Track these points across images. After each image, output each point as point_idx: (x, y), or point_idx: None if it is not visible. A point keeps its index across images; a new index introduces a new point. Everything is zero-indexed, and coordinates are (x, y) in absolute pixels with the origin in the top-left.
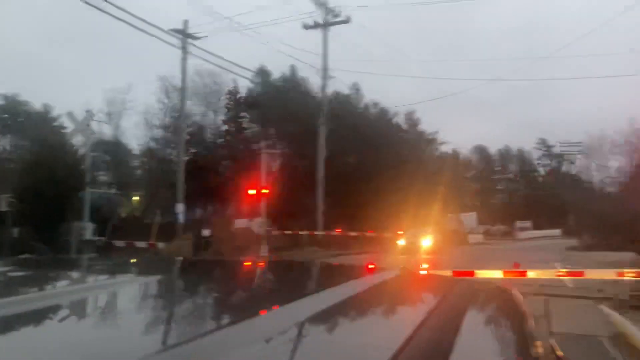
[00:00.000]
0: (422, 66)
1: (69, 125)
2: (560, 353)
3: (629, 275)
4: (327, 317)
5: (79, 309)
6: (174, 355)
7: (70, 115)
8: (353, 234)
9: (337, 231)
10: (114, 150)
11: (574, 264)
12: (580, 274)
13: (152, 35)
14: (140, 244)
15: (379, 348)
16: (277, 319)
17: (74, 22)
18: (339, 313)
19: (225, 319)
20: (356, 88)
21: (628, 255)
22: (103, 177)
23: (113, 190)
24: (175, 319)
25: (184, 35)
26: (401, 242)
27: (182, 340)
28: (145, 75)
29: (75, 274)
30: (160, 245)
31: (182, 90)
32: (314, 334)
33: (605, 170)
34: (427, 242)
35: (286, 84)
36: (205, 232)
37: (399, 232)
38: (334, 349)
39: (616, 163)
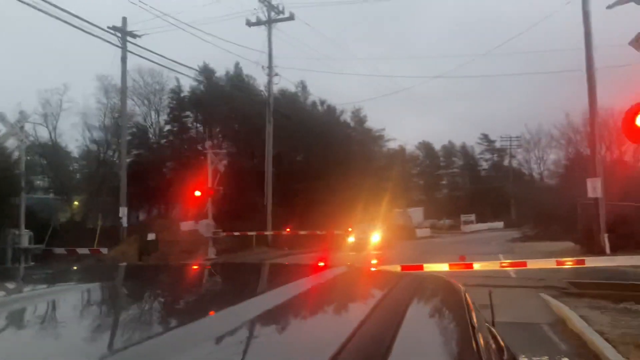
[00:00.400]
0: (368, 64)
1: (0, 128)
2: (502, 343)
3: (568, 264)
4: (273, 316)
5: (15, 320)
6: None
7: (1, 116)
8: (303, 232)
9: (287, 230)
10: (51, 153)
11: (517, 255)
12: (523, 264)
13: (90, 34)
14: (82, 251)
15: (323, 344)
16: (224, 320)
17: (2, 18)
18: (285, 312)
19: (171, 322)
20: (303, 86)
21: (566, 245)
22: (40, 181)
23: (51, 195)
24: (118, 325)
25: (123, 33)
26: (351, 239)
27: (126, 345)
28: (84, 75)
29: (10, 284)
30: (104, 250)
31: (123, 90)
32: (260, 333)
33: (544, 163)
34: (376, 237)
35: (231, 82)
36: (151, 236)
37: (349, 229)
38: (279, 348)
39: (554, 156)
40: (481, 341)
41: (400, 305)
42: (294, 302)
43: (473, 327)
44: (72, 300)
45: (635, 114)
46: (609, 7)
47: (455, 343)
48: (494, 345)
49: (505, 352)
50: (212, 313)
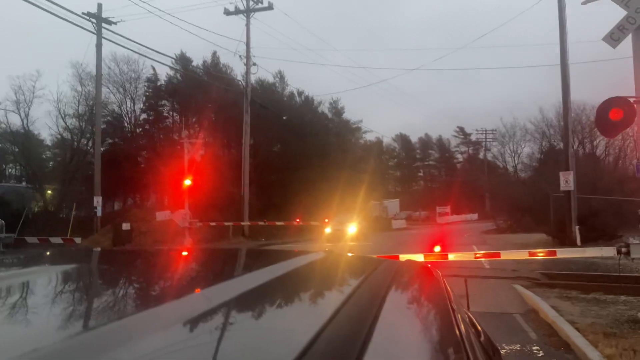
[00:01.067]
0: (346, 55)
1: None
2: (479, 327)
3: (540, 255)
4: (246, 300)
5: None
6: (87, 340)
7: None
8: (280, 223)
9: (264, 221)
10: (23, 141)
11: (491, 246)
12: (497, 255)
13: (64, 19)
14: (55, 240)
15: (300, 330)
16: (195, 303)
17: None
18: (259, 296)
19: (141, 305)
20: (281, 76)
21: (539, 237)
22: (11, 169)
23: (23, 184)
24: (87, 307)
25: (99, 19)
26: (328, 230)
27: (95, 325)
28: (58, 61)
29: None
30: (77, 240)
31: (98, 77)
32: (232, 318)
33: (518, 156)
34: (352, 229)
35: (208, 72)
36: (125, 226)
37: (326, 220)
38: (252, 333)
39: (528, 149)
40: (462, 325)
41: (380, 289)
42: (269, 287)
43: (453, 309)
44: (41, 284)
45: (608, 109)
46: (584, 3)
47: (437, 327)
48: (472, 329)
49: (482, 335)
50: (182, 296)
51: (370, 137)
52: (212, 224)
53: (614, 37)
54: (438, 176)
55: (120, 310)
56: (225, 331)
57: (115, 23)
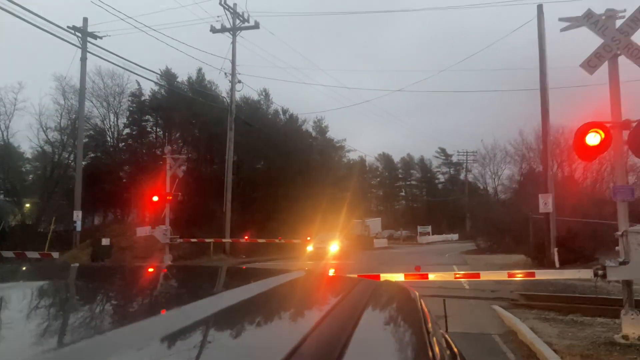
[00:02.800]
0: (331, 75)
1: None
2: (456, 350)
3: (519, 276)
4: (223, 318)
5: None
6: (61, 356)
7: None
8: (262, 240)
9: (246, 238)
10: (2, 153)
11: (470, 267)
12: (476, 275)
13: (49, 32)
14: (32, 254)
15: (273, 348)
16: (171, 320)
17: None
18: (235, 314)
19: (117, 321)
20: (265, 94)
21: (518, 258)
22: None
23: (1, 197)
24: (62, 323)
25: (84, 33)
26: (309, 248)
27: (68, 341)
28: (41, 74)
29: None
30: (55, 255)
31: (81, 90)
32: (207, 335)
33: (498, 178)
34: (334, 247)
35: (193, 88)
36: (105, 241)
37: (308, 238)
38: (226, 351)
39: (508, 171)
40: (436, 346)
41: (355, 310)
42: (245, 305)
43: (428, 332)
44: (14, 299)
45: (585, 133)
46: (563, 29)
47: (410, 348)
48: (448, 351)
49: (458, 357)
50: (161, 312)
51: (353, 156)
52: (193, 240)
53: (591, 64)
54: (420, 196)
55: (95, 326)
56: (202, 348)
57: (100, 38)
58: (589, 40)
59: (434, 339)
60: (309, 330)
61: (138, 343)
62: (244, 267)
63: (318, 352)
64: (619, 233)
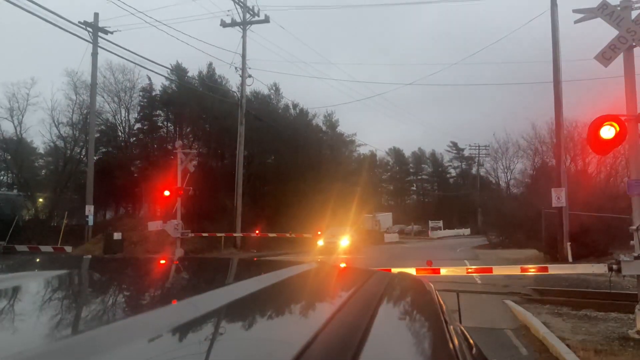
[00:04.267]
0: (342, 69)
1: None
2: (471, 341)
3: (531, 270)
4: (237, 309)
5: None
6: (74, 344)
7: None
8: (272, 235)
9: (256, 233)
10: (15, 148)
11: (482, 262)
12: (489, 270)
13: (61, 28)
14: (46, 248)
15: (290, 340)
16: (184, 311)
17: None
18: (250, 305)
19: (128, 311)
20: (276, 88)
21: (530, 252)
22: (3, 177)
23: (15, 191)
24: (74, 312)
25: (95, 28)
26: (320, 243)
27: (81, 330)
28: (53, 69)
29: None
30: (68, 249)
31: (93, 86)
32: (221, 326)
33: (511, 172)
34: (345, 242)
35: (203, 82)
36: (117, 235)
37: (318, 233)
38: (242, 342)
39: (520, 165)
40: (454, 336)
41: (372, 301)
42: (258, 296)
43: (446, 322)
44: (29, 289)
45: (600, 127)
46: (577, 21)
47: (430, 338)
48: (465, 343)
49: (475, 349)
50: (171, 304)
51: (364, 150)
52: (204, 234)
53: (605, 56)
54: (431, 190)
55: (106, 316)
56: (214, 340)
57: (111, 33)
58: (603, 32)
59: (451, 327)
60: (325, 322)
61: (148, 333)
62: (255, 258)
63: (336, 344)
64: (634, 227)
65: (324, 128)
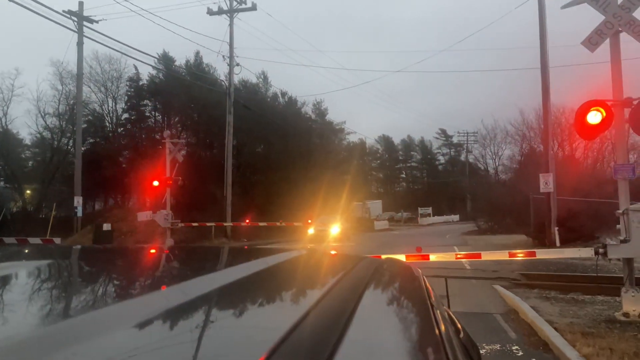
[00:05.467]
0: (330, 57)
1: None
2: (459, 325)
3: (520, 255)
4: (222, 295)
5: None
6: (58, 330)
7: None
8: (263, 224)
9: (247, 222)
10: (1, 139)
11: (471, 247)
12: (478, 256)
13: (44, 17)
14: (34, 240)
15: (272, 327)
16: (173, 296)
17: None
18: (235, 291)
19: (114, 298)
20: (264, 77)
21: (519, 238)
22: None
23: (1, 183)
24: (64, 298)
25: (80, 17)
26: (310, 231)
27: (70, 315)
28: (38, 60)
29: None
30: (57, 240)
31: (79, 76)
32: (206, 312)
33: (499, 158)
34: (335, 229)
35: (191, 71)
36: (106, 226)
37: (309, 221)
38: (223, 329)
39: (508, 152)
40: (440, 320)
41: (358, 286)
42: (245, 282)
43: (432, 306)
44: (19, 277)
45: (586, 112)
46: (564, 7)
47: (416, 322)
48: (452, 327)
49: (462, 333)
50: (156, 290)
51: (353, 138)
52: (194, 224)
53: (592, 42)
54: (420, 177)
55: (95, 302)
56: (201, 325)
57: (96, 21)
58: (589, 18)
59: (438, 312)
60: (310, 307)
61: (136, 319)
62: (246, 246)
63: (319, 328)
64: (620, 211)
65: (313, 116)
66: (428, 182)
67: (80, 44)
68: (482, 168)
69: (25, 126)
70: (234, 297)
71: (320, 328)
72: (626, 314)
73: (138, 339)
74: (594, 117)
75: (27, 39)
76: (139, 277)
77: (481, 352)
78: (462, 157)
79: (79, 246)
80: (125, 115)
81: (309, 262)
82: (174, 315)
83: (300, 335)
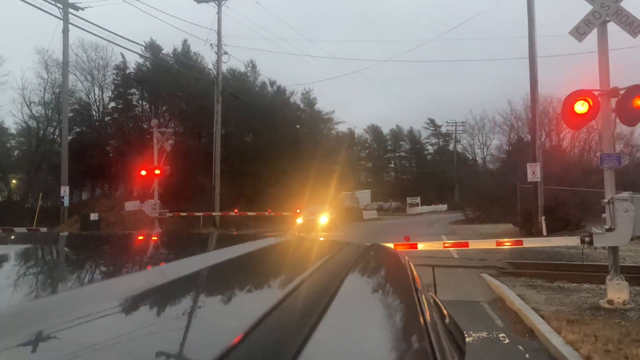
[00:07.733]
0: (319, 46)
1: None
2: (445, 311)
3: (507, 244)
4: (204, 277)
5: None
6: (50, 304)
7: None
8: (251, 213)
9: (235, 211)
10: None
11: (459, 236)
12: (465, 244)
13: (29, 3)
14: (20, 230)
15: (247, 311)
16: (154, 277)
17: None
18: (217, 274)
19: (103, 277)
20: (252, 66)
21: (506, 227)
22: None
23: None
24: (49, 278)
25: (65, 4)
26: (299, 221)
27: (46, 294)
28: (23, 48)
29: None
30: (43, 230)
31: (64, 64)
32: (187, 292)
33: (487, 148)
34: (324, 219)
35: (178, 60)
36: (93, 216)
37: (297, 211)
38: (197, 311)
39: (496, 141)
40: (425, 305)
41: (341, 270)
42: (227, 265)
43: (417, 290)
44: (5, 261)
45: (574, 102)
46: None
47: (398, 306)
48: (437, 312)
49: (448, 318)
50: (133, 272)
51: (342, 128)
52: (183, 214)
53: (580, 31)
54: (409, 167)
55: (80, 281)
56: (174, 307)
57: (82, 9)
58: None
59: (423, 297)
60: (290, 290)
61: (119, 298)
62: (235, 232)
63: (298, 313)
64: (606, 200)
65: (302, 106)
66: (416, 171)
67: (65, 32)
68: (470, 158)
69: (10, 115)
70: (212, 280)
71: (297, 312)
72: (610, 302)
73: (116, 319)
74: (581, 107)
75: (11, 27)
76: (117, 259)
77: (468, 339)
78: (451, 147)
79: (65, 233)
80: (112, 104)
81: (292, 247)
82: (152, 296)
83: (276, 319)
